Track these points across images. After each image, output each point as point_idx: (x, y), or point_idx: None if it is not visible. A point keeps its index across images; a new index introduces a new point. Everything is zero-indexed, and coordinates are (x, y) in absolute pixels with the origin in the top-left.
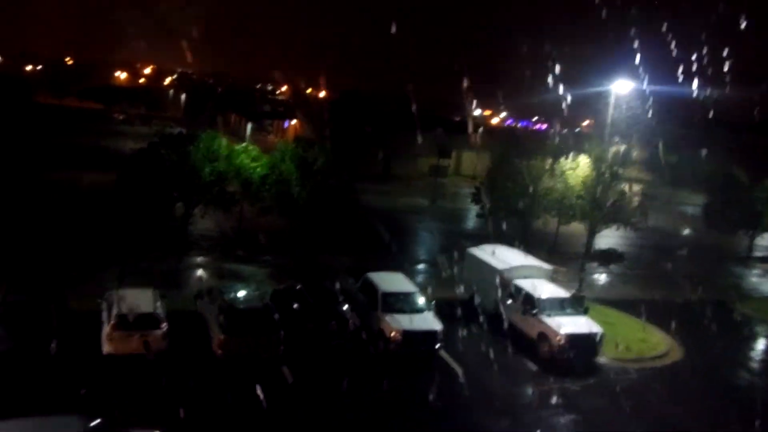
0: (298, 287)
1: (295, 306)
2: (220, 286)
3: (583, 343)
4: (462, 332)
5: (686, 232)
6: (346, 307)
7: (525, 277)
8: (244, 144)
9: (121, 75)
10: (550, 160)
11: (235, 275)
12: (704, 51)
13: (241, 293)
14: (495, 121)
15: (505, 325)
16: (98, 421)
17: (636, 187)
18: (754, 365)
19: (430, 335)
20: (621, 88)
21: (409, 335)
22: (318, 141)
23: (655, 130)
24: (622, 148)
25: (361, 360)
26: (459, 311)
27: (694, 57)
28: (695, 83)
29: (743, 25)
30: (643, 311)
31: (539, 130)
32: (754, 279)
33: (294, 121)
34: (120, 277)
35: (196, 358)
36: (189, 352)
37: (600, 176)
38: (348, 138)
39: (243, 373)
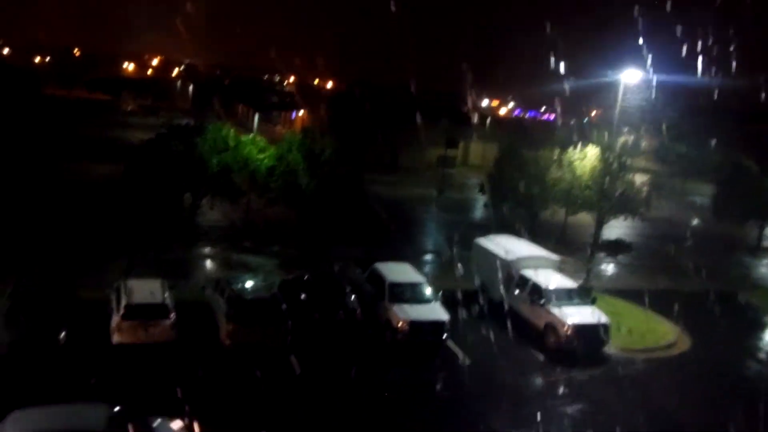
0: (305, 278)
1: (303, 296)
2: (227, 277)
3: (590, 333)
4: (469, 322)
5: (695, 222)
6: (353, 297)
7: (532, 268)
8: (251, 135)
9: (129, 66)
10: (557, 151)
11: (242, 266)
12: (712, 39)
13: (249, 284)
14: (503, 111)
15: (511, 314)
16: (119, 408)
17: (643, 177)
18: (763, 356)
19: (437, 325)
20: (630, 77)
21: (416, 325)
22: (325, 132)
23: (663, 119)
24: (631, 138)
25: (369, 350)
26: (466, 301)
27: (702, 46)
28: (704, 72)
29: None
30: (651, 302)
31: (547, 121)
32: (763, 269)
33: (301, 112)
34: (128, 268)
35: (204, 348)
36: (197, 342)
37: (608, 166)
38: (355, 129)
39: (251, 362)
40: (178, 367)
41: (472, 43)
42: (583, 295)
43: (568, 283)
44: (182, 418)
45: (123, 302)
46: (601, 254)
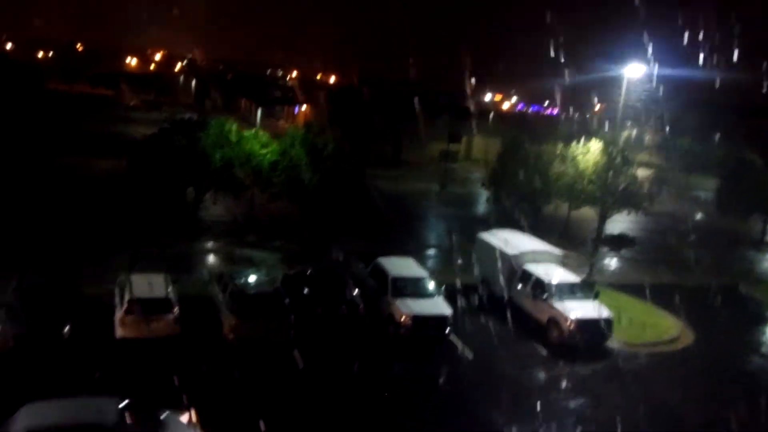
0: (308, 272)
1: (306, 291)
2: (231, 271)
3: (592, 327)
4: (472, 317)
5: (699, 216)
6: (356, 291)
7: (535, 262)
8: (254, 129)
9: (132, 61)
10: (561, 145)
11: (245, 260)
12: (716, 33)
13: (252, 278)
14: (506, 105)
15: (514, 309)
16: (127, 401)
17: (647, 172)
18: (766, 350)
19: (440, 320)
20: (633, 72)
21: (419, 320)
22: (328, 127)
23: (667, 114)
24: (634, 132)
25: (371, 345)
26: (469, 296)
27: (706, 39)
28: (708, 66)
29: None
30: (654, 296)
31: (550, 115)
32: (767, 263)
33: (304, 107)
34: (132, 262)
35: (208, 342)
36: (200, 336)
37: (611, 161)
38: (358, 123)
39: (254, 357)
40: (181, 362)
41: (475, 38)
42: (586, 289)
43: (571, 277)
44: (188, 411)
45: (126, 296)
46: (604, 249)
